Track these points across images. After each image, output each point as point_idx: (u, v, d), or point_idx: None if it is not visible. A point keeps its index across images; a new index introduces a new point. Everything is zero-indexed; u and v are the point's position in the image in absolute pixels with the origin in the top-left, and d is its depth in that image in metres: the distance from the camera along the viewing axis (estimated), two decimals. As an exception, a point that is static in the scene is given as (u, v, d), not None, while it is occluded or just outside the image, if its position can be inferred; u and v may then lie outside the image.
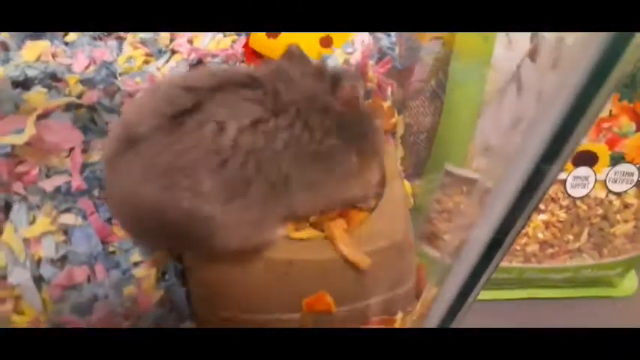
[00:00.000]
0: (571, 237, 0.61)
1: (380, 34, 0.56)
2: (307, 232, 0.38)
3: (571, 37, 0.28)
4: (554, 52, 0.54)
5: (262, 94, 0.32)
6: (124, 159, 0.31)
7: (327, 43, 0.56)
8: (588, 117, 0.26)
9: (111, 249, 0.44)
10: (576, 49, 0.26)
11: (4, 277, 0.41)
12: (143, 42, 0.57)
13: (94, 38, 0.59)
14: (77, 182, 0.43)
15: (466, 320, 0.35)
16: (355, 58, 0.54)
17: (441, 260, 0.59)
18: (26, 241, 0.42)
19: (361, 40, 0.56)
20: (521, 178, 0.28)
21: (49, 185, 0.43)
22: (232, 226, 0.32)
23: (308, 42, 0.56)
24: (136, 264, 0.43)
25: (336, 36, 0.56)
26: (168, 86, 0.32)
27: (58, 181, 0.43)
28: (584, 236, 0.61)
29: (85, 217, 0.44)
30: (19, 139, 0.42)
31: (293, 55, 0.36)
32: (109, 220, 0.45)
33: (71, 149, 0.45)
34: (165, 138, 0.30)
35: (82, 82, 0.50)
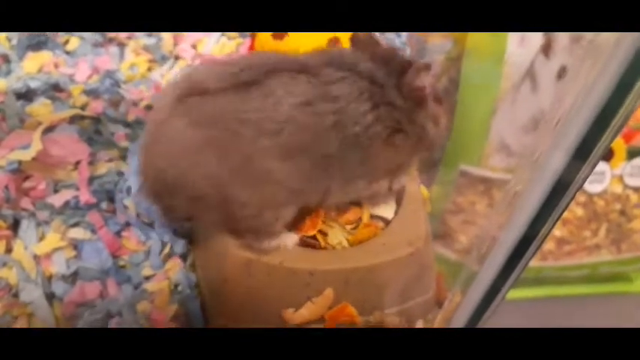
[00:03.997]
0: (588, 233, 0.60)
1: (390, 35, 0.55)
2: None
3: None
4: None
5: (314, 80, 0.35)
6: (180, 108, 0.34)
7: (335, 45, 0.54)
8: (622, 115, 0.25)
9: (121, 263, 0.43)
10: (607, 48, 0.25)
11: (16, 295, 0.40)
12: (145, 48, 0.56)
13: (95, 45, 0.58)
14: (85, 196, 0.42)
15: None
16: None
17: (458, 261, 0.58)
18: (36, 258, 0.41)
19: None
20: (552, 178, 0.27)
21: (57, 200, 0.42)
22: (277, 185, 0.34)
23: (315, 43, 0.55)
24: (147, 278, 0.43)
25: (344, 37, 0.54)
26: (227, 63, 0.36)
27: (66, 195, 0.42)
28: (602, 232, 0.60)
29: (94, 231, 0.43)
30: (26, 155, 0.41)
31: (360, 41, 0.39)
32: (118, 233, 0.44)
33: (78, 162, 0.44)
34: (228, 98, 0.33)
35: (86, 92, 0.49)
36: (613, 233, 0.59)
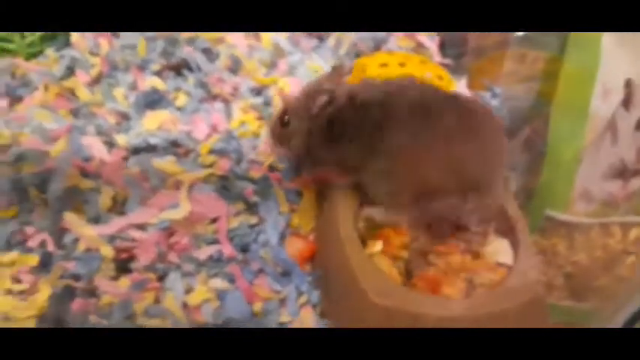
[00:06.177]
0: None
1: (485, 94, 0.59)
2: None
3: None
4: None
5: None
6: None
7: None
8: None
9: (255, 309, 0.47)
10: None
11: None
12: (253, 106, 0.60)
13: (201, 101, 0.62)
14: (228, 250, 0.47)
15: None
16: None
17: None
18: (186, 308, 0.45)
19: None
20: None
21: (202, 254, 0.47)
22: None
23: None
24: (281, 324, 0.47)
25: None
26: None
27: (210, 250, 0.47)
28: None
29: (231, 281, 0.47)
30: (177, 214, 0.46)
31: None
32: (251, 282, 0.48)
33: (215, 218, 0.49)
34: None
35: (212, 150, 0.54)
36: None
